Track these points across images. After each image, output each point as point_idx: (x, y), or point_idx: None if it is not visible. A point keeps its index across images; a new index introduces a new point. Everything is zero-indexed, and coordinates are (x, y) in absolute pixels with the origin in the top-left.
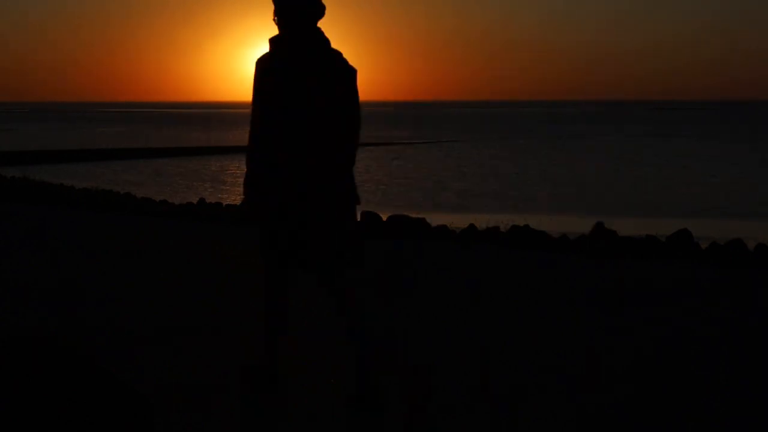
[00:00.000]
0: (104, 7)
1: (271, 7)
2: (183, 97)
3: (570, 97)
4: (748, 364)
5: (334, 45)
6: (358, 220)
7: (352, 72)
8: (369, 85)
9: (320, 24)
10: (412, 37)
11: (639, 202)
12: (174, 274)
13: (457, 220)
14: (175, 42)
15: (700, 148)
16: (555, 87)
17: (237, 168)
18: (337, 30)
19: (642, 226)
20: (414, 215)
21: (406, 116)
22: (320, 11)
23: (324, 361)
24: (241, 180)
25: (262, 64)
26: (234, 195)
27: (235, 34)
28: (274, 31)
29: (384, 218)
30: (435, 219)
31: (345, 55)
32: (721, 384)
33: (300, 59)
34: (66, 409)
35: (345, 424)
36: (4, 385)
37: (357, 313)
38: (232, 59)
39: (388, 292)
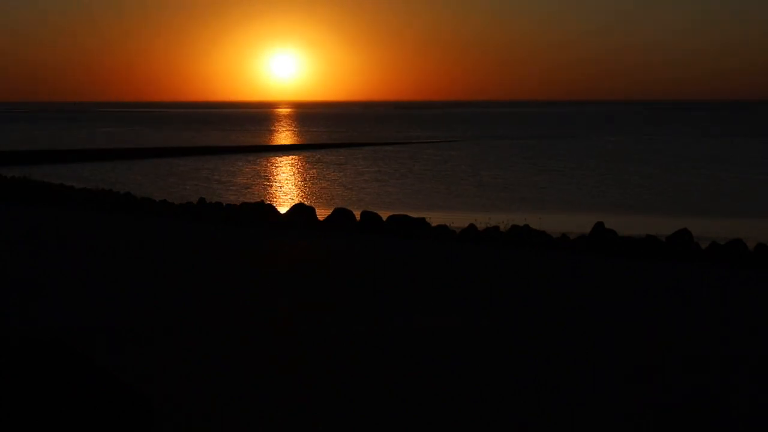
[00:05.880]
0: (108, 6)
1: (277, 9)
2: (190, 96)
3: (571, 97)
4: (750, 363)
5: (336, 45)
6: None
7: None
8: (369, 85)
9: (322, 23)
10: (412, 37)
11: (639, 202)
12: (174, 273)
13: (457, 220)
14: (182, 41)
15: (701, 148)
16: (557, 87)
17: (237, 168)
18: (338, 30)
19: (642, 226)
20: (414, 215)
21: (406, 116)
22: None
23: (322, 360)
24: (243, 179)
25: None
26: (234, 195)
27: (244, 35)
28: (281, 32)
29: (384, 218)
30: (435, 219)
31: (347, 55)
32: (727, 384)
33: None
34: (66, 409)
35: (344, 421)
36: (6, 385)
37: None
38: (240, 60)
39: (389, 291)
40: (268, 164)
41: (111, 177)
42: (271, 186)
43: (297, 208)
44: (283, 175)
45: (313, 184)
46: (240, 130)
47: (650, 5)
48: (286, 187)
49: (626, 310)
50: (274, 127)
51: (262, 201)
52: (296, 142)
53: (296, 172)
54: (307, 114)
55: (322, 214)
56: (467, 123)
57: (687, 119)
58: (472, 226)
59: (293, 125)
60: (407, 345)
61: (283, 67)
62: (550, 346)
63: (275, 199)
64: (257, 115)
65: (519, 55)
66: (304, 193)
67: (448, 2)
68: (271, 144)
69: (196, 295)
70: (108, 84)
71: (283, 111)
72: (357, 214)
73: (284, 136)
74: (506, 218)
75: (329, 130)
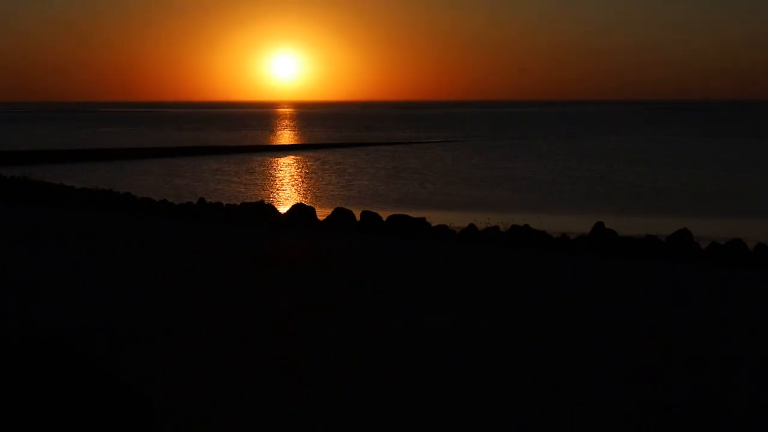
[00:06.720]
0: (110, 6)
1: (278, 10)
2: (192, 96)
3: (571, 97)
4: (750, 363)
5: (336, 45)
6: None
7: None
8: (369, 85)
9: (322, 24)
10: (411, 38)
11: (639, 202)
12: (174, 273)
13: (457, 220)
14: (185, 42)
15: (701, 148)
16: (557, 87)
17: (237, 167)
18: (337, 30)
19: (642, 226)
20: (414, 215)
21: (406, 116)
22: None
23: (322, 360)
24: (243, 179)
25: None
26: (234, 195)
27: (245, 36)
28: (282, 33)
29: (384, 218)
30: (435, 219)
31: (347, 55)
32: (727, 384)
33: None
34: (66, 409)
35: (344, 421)
36: (6, 385)
37: None
38: (242, 60)
39: (389, 291)
40: (268, 164)
41: (111, 177)
42: (271, 186)
43: (297, 208)
44: (283, 175)
45: (313, 184)
46: (241, 129)
47: (650, 5)
48: (286, 187)
49: (626, 310)
50: (275, 126)
51: (262, 201)
52: (296, 142)
53: (296, 172)
54: (308, 114)
55: (322, 214)
56: (467, 123)
57: (687, 119)
58: (472, 226)
59: (294, 125)
60: (407, 345)
61: (284, 67)
62: (550, 346)
63: (275, 199)
64: (258, 115)
65: (519, 55)
66: (304, 193)
67: (447, 2)
68: (272, 144)
69: (196, 295)
70: (109, 84)
71: (284, 111)
72: (357, 214)
73: (285, 136)
74: (506, 218)
75: (329, 129)
